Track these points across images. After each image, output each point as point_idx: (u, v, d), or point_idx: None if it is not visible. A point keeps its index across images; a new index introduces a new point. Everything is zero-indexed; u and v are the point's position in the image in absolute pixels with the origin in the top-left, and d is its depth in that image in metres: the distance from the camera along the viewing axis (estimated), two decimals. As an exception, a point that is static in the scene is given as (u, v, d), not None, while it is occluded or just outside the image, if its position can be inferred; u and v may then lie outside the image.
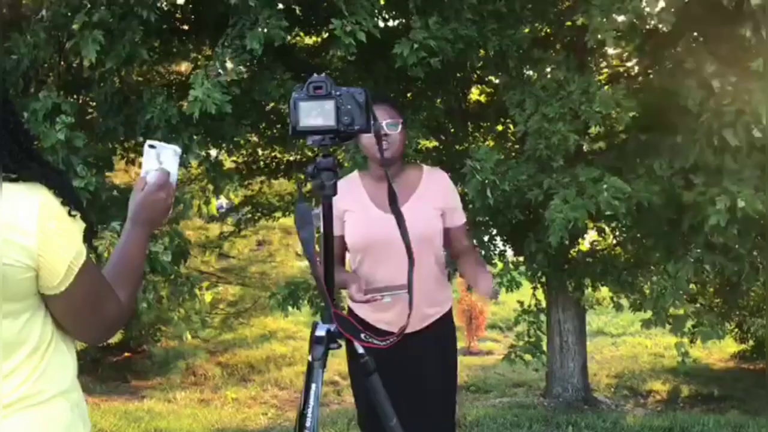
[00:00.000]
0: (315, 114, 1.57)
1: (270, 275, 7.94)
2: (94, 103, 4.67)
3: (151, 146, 1.45)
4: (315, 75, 1.60)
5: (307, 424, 1.47)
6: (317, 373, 1.51)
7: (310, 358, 1.55)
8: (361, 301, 2.12)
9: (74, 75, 4.45)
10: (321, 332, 1.58)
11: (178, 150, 1.46)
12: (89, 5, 3.63)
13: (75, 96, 4.42)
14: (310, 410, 1.47)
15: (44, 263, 1.14)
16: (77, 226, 1.18)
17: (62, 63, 4.34)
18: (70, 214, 1.16)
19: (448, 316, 2.42)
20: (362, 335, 1.62)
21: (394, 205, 1.74)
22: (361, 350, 1.65)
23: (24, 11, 3.99)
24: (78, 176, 3.40)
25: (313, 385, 1.50)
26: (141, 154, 4.67)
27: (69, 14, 3.74)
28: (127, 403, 5.42)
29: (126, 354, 7.14)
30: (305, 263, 8.88)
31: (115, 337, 7.48)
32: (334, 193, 1.60)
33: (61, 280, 1.16)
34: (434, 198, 2.37)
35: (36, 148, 1.23)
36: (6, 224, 1.09)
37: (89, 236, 1.23)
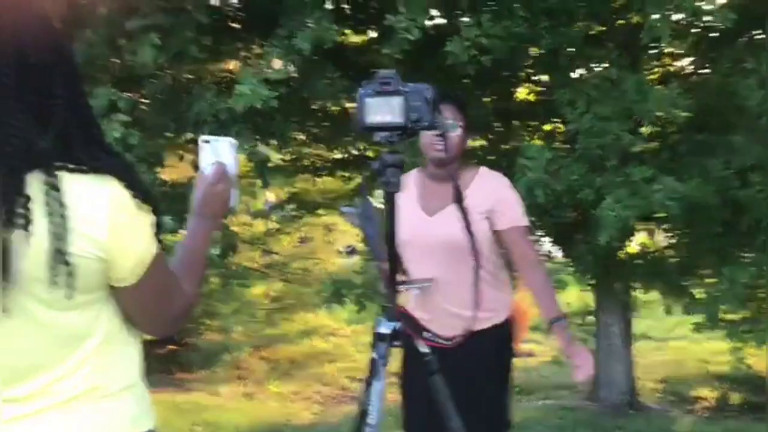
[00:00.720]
0: (383, 110, 1.56)
1: (312, 272, 7.98)
2: (146, 100, 4.76)
3: (206, 141, 1.44)
4: (382, 70, 1.59)
5: (372, 421, 1.47)
6: (381, 371, 1.51)
7: (374, 355, 1.54)
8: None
9: (127, 72, 4.53)
10: (385, 329, 1.57)
11: (234, 141, 1.45)
12: (145, 8, 3.70)
13: (128, 92, 4.51)
14: (374, 408, 1.47)
15: (115, 255, 1.14)
16: (147, 219, 1.18)
17: (116, 60, 4.42)
18: (140, 207, 1.16)
19: (502, 325, 2.36)
20: (426, 333, 1.61)
21: (459, 203, 1.72)
22: (424, 349, 1.64)
23: (80, 11, 4.07)
24: (133, 173, 3.45)
25: (377, 383, 1.49)
26: (190, 151, 4.72)
27: (124, 13, 3.82)
28: (174, 396, 5.49)
29: (171, 346, 7.24)
30: (347, 261, 8.91)
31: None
32: (399, 189, 1.59)
33: (131, 272, 1.17)
34: (479, 201, 2.27)
35: (105, 139, 1.24)
36: (77, 216, 1.10)
37: (157, 230, 1.24)
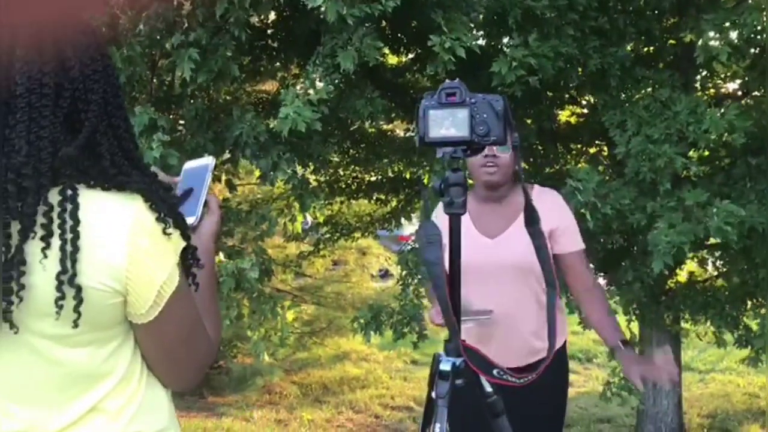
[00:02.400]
0: (447, 124, 1.44)
1: (345, 296, 7.89)
2: (183, 121, 4.73)
3: (185, 170, 1.33)
4: (448, 81, 1.47)
5: (433, 467, 1.33)
6: (441, 412, 1.37)
7: (433, 394, 1.41)
8: (439, 324, 1.98)
9: (165, 92, 4.51)
10: (446, 366, 1.43)
11: (211, 163, 1.32)
12: (186, 23, 3.66)
13: (166, 112, 4.47)
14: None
15: (133, 286, 1.03)
16: (172, 246, 1.06)
17: (155, 79, 4.41)
18: (164, 232, 1.05)
19: (561, 351, 2.24)
20: (495, 371, 1.47)
21: (533, 225, 1.59)
22: (489, 388, 1.50)
23: (121, 29, 4.06)
24: (171, 194, 3.39)
25: (437, 425, 1.35)
26: (228, 171, 4.64)
27: (164, 31, 3.80)
28: (206, 421, 5.40)
29: (203, 369, 7.17)
30: (380, 284, 8.79)
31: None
32: (464, 211, 1.47)
33: (150, 306, 1.05)
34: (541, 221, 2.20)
35: (139, 156, 1.14)
36: (94, 241, 0.99)
37: (189, 259, 1.11)
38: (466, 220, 2.24)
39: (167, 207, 1.07)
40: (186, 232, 1.09)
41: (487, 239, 2.17)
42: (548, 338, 1.59)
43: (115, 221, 1.01)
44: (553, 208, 2.25)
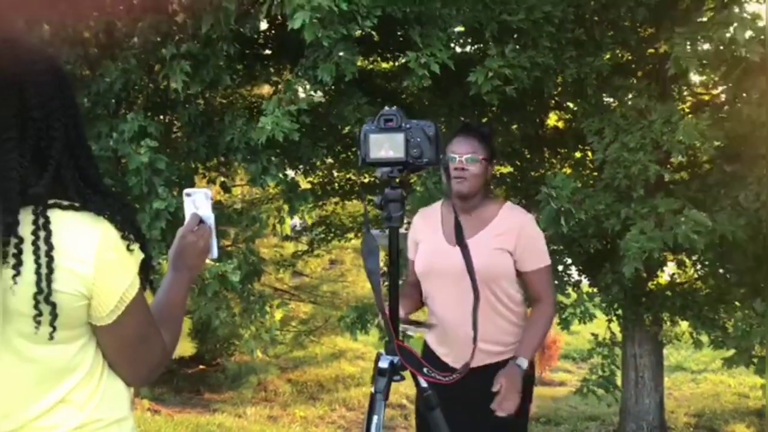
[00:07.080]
0: (386, 146, 1.59)
1: (341, 295, 8.03)
2: (179, 124, 4.87)
3: (187, 194, 1.48)
4: (386, 108, 1.62)
5: (369, 456, 1.47)
6: (379, 405, 1.51)
7: (372, 389, 1.55)
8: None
9: (161, 96, 4.65)
10: (384, 364, 1.58)
11: (209, 193, 1.48)
12: (177, 35, 3.80)
13: (162, 116, 4.62)
14: (372, 442, 1.47)
15: (98, 292, 1.16)
16: (134, 259, 1.20)
17: (151, 85, 4.55)
18: (128, 249, 1.18)
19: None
20: (425, 369, 1.61)
21: (459, 238, 1.73)
22: (424, 384, 1.64)
23: (117, 37, 4.21)
24: (159, 198, 3.53)
25: (375, 417, 1.49)
26: (222, 173, 4.79)
27: (159, 40, 3.94)
28: (199, 416, 5.54)
29: (201, 366, 7.32)
30: (377, 284, 8.93)
31: (190, 350, 7.71)
32: (401, 224, 1.61)
33: (111, 310, 1.18)
34: (503, 238, 2.29)
35: (101, 180, 1.24)
36: (66, 253, 1.13)
37: (147, 269, 1.24)
38: (436, 226, 2.37)
39: (129, 225, 1.20)
40: (145, 247, 1.23)
41: (449, 246, 2.27)
42: (473, 340, 1.70)
43: (84, 239, 1.14)
44: (520, 225, 2.32)
